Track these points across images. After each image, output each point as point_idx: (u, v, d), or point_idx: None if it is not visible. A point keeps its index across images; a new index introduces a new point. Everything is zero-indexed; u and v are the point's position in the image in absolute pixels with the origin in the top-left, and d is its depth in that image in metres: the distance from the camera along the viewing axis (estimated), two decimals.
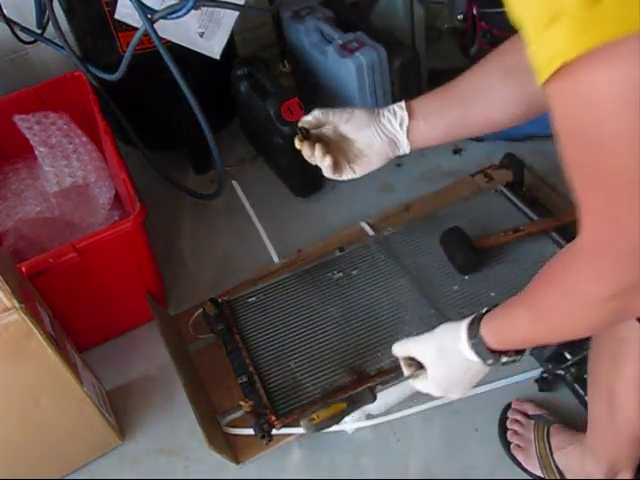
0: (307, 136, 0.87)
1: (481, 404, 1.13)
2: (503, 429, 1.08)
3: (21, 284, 0.94)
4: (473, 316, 0.72)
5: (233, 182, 1.61)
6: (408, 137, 0.84)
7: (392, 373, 1.10)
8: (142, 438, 1.18)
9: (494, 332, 0.69)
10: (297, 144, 0.88)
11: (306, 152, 0.87)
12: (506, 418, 1.09)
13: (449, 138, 0.85)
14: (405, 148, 0.85)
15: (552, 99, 0.45)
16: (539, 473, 1.01)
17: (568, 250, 0.55)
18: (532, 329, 0.65)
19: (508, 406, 1.11)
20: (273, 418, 1.07)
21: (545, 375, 1.12)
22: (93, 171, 1.36)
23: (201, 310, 1.27)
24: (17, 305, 0.85)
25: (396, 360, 1.09)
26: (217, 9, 1.30)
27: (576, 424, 1.05)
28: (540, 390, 1.12)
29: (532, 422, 1.06)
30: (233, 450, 1.11)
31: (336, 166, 0.86)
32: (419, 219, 1.38)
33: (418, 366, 0.81)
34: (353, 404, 0.93)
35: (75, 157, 1.38)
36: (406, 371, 0.84)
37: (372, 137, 0.85)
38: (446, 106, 0.83)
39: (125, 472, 1.14)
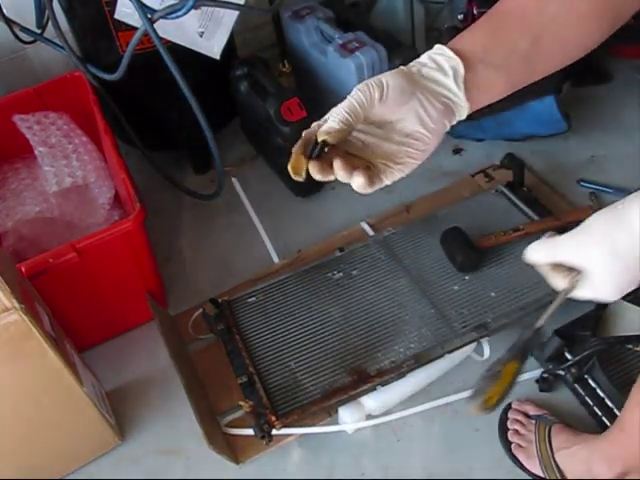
0: (320, 153, 0.63)
1: None
2: (503, 429, 1.08)
3: (21, 284, 0.93)
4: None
5: (232, 179, 1.61)
6: (466, 95, 0.63)
7: (392, 373, 1.10)
8: (142, 438, 1.18)
9: None
10: (305, 165, 0.64)
11: (321, 174, 0.63)
12: (506, 418, 1.09)
13: (518, 84, 0.66)
14: (463, 112, 0.64)
15: None
16: (540, 473, 1.01)
17: None
18: None
19: (508, 406, 1.11)
20: (273, 418, 1.07)
21: (545, 375, 1.12)
22: (93, 171, 1.36)
23: (201, 310, 1.27)
24: (17, 305, 0.84)
25: (396, 361, 1.09)
26: (217, 9, 1.30)
27: (577, 424, 1.05)
28: (541, 390, 1.12)
29: (533, 422, 1.06)
30: (233, 450, 1.11)
31: (372, 178, 0.62)
32: (419, 219, 1.38)
33: (570, 271, 0.65)
34: (524, 356, 0.73)
35: (75, 157, 1.37)
36: (560, 282, 0.65)
37: (421, 109, 0.61)
38: (507, 38, 0.63)
39: (125, 472, 1.14)
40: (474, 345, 1.15)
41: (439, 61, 0.62)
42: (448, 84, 0.62)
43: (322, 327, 1.20)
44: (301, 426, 1.09)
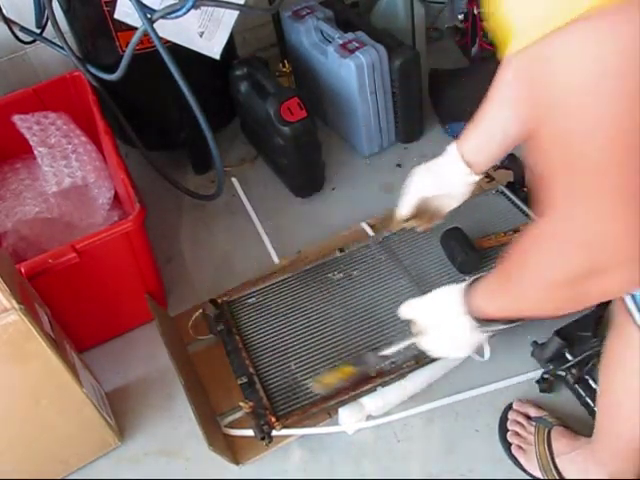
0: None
1: (482, 405, 1.13)
2: (503, 430, 1.08)
3: (20, 285, 0.93)
4: (468, 281, 0.79)
5: (232, 179, 1.61)
6: (475, 169, 0.97)
7: (392, 374, 1.10)
8: (142, 439, 1.18)
9: (478, 301, 0.75)
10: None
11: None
12: (507, 419, 1.09)
13: (502, 156, 0.98)
14: (478, 172, 0.98)
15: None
16: (539, 475, 1.01)
17: (538, 229, 0.56)
18: (503, 303, 0.71)
19: (509, 407, 1.11)
20: (273, 419, 1.07)
21: (546, 376, 1.12)
22: (92, 171, 1.36)
23: (201, 311, 1.26)
24: (16, 306, 0.84)
25: (396, 361, 1.10)
26: (217, 9, 1.30)
27: (577, 425, 1.05)
28: (541, 391, 1.12)
29: (533, 424, 1.06)
30: (233, 451, 1.11)
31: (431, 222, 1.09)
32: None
33: (422, 326, 0.86)
34: (360, 365, 0.99)
35: (74, 157, 1.37)
36: (413, 329, 0.88)
37: (455, 196, 1.03)
38: (484, 143, 0.94)
39: (125, 473, 1.13)
40: None
41: (462, 172, 0.97)
42: (465, 179, 0.98)
43: (322, 328, 1.19)
44: (301, 427, 1.09)
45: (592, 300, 0.59)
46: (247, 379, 1.13)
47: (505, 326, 0.75)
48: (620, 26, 0.38)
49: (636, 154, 0.43)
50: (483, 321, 0.75)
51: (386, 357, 1.00)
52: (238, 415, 1.14)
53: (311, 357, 1.15)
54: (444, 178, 0.99)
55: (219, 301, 1.25)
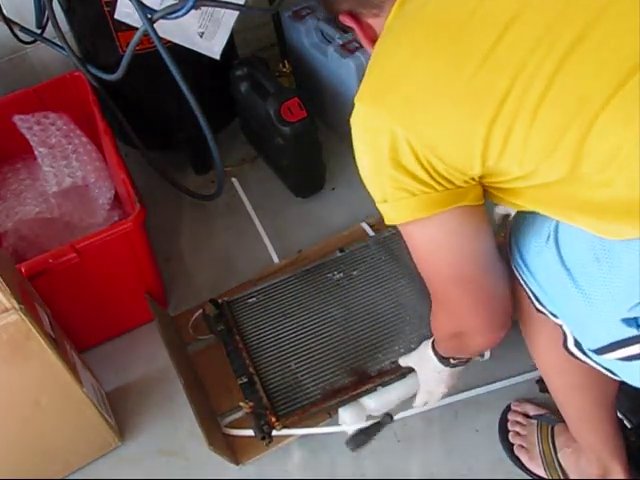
0: None
1: (481, 405, 1.13)
2: (504, 431, 1.08)
3: (20, 285, 0.93)
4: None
5: (232, 179, 1.60)
6: None
7: (393, 374, 1.10)
8: (142, 439, 1.18)
9: (437, 347, 0.95)
10: None
11: None
12: (506, 420, 1.09)
13: None
14: None
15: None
16: (542, 473, 1.01)
17: (433, 311, 0.83)
18: (440, 348, 0.94)
19: (507, 409, 1.11)
20: (273, 419, 1.07)
21: None
22: (93, 171, 1.36)
23: (201, 311, 1.26)
24: (16, 306, 0.84)
25: (396, 361, 1.10)
26: (217, 9, 1.30)
27: None
28: (541, 391, 1.12)
29: (534, 422, 1.06)
30: (233, 451, 1.11)
31: None
32: None
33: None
34: (376, 427, 1.06)
35: (75, 157, 1.37)
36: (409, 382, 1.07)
37: None
38: None
39: (125, 473, 1.13)
40: None
41: None
42: None
43: (322, 327, 1.19)
44: (301, 427, 1.09)
45: (472, 348, 0.85)
46: (247, 379, 1.13)
47: (457, 361, 0.94)
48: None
49: (468, 269, 0.71)
50: (443, 359, 0.94)
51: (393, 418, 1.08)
52: (238, 415, 1.14)
53: (311, 357, 1.15)
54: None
55: (219, 301, 1.25)
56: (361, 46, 1.44)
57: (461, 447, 1.09)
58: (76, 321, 1.19)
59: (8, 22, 1.39)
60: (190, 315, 1.29)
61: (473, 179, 0.66)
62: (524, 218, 0.76)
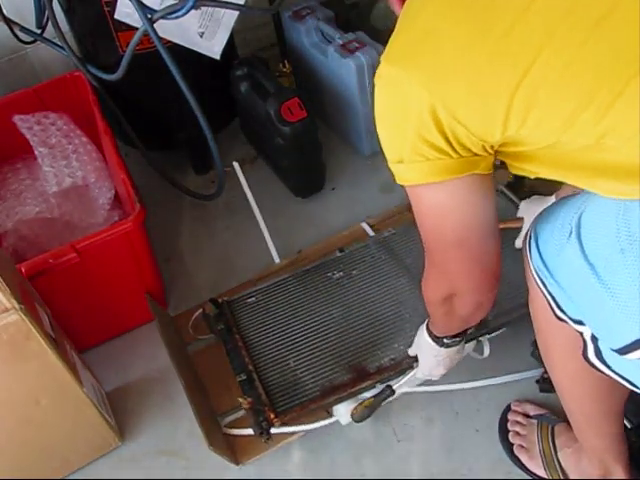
0: None
1: (481, 405, 1.13)
2: (504, 431, 1.08)
3: (21, 285, 0.93)
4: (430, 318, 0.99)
5: (240, 177, 1.57)
6: None
7: (392, 371, 1.10)
8: (142, 439, 1.18)
9: (430, 327, 0.97)
10: None
11: None
12: (506, 420, 1.09)
13: None
14: None
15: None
16: (542, 473, 1.01)
17: (427, 274, 0.84)
18: (432, 324, 0.96)
19: (507, 409, 1.11)
20: (272, 415, 1.06)
21: (546, 376, 1.12)
22: (93, 171, 1.36)
23: (201, 310, 1.26)
24: (17, 306, 0.84)
25: (396, 358, 1.10)
26: (217, 9, 1.30)
27: None
28: (541, 391, 1.12)
29: (534, 422, 1.06)
30: (233, 451, 1.11)
31: None
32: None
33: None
34: (377, 397, 1.08)
35: (75, 157, 1.37)
36: (415, 365, 1.08)
37: None
38: None
39: (125, 473, 1.13)
40: (473, 344, 1.14)
41: None
42: None
43: (322, 326, 1.19)
44: (299, 424, 1.09)
45: (461, 313, 0.84)
46: (246, 376, 1.13)
47: (450, 342, 0.96)
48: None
49: (472, 234, 0.72)
50: (436, 339, 0.97)
51: (395, 390, 1.09)
52: (238, 414, 1.14)
53: (310, 354, 1.15)
54: None
55: (219, 300, 1.25)
56: (361, 46, 1.45)
57: (461, 447, 1.09)
58: (76, 321, 1.19)
59: (8, 22, 1.39)
60: (190, 315, 1.29)
61: (492, 147, 0.66)
62: (545, 218, 0.76)
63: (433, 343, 0.97)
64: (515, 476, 1.04)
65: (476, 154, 0.66)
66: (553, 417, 1.06)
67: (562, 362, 0.86)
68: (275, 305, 1.24)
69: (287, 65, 1.75)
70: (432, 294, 0.86)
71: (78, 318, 1.21)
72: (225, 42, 1.37)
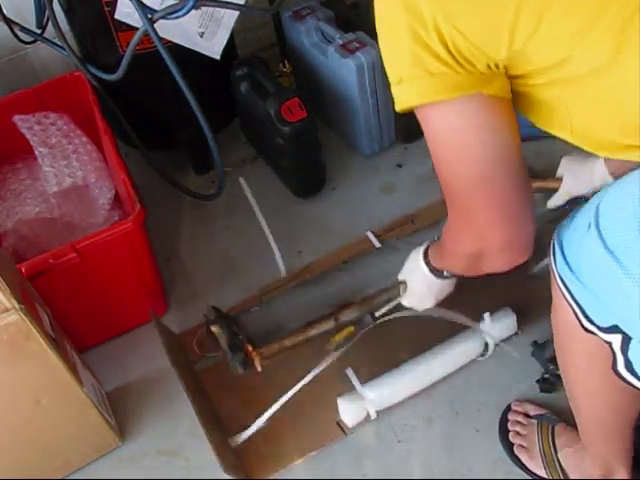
0: None
1: (481, 405, 1.13)
2: (504, 431, 1.08)
3: (21, 285, 0.93)
4: (427, 243, 0.98)
5: (240, 179, 1.57)
6: None
7: (377, 297, 1.09)
8: (142, 439, 1.18)
9: (430, 256, 0.96)
10: None
11: None
12: (506, 420, 1.09)
13: None
14: None
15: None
16: (542, 473, 1.01)
17: (449, 219, 0.78)
18: (440, 260, 0.93)
19: (507, 408, 1.11)
20: (250, 348, 1.05)
21: (547, 376, 1.12)
22: (93, 171, 1.36)
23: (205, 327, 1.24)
24: (17, 306, 0.84)
25: (383, 288, 1.10)
26: (217, 9, 1.30)
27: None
28: (541, 391, 1.12)
29: (534, 422, 1.06)
30: (243, 469, 1.09)
31: None
32: (424, 229, 1.37)
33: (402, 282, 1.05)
34: (359, 325, 1.08)
35: (75, 157, 1.37)
36: (401, 291, 1.05)
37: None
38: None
39: (125, 473, 1.13)
40: (479, 349, 1.14)
41: None
42: None
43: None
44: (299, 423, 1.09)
45: (484, 270, 0.78)
46: (227, 327, 1.10)
47: (450, 278, 0.96)
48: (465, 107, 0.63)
49: (496, 170, 0.66)
50: (435, 270, 0.95)
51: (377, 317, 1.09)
52: (250, 432, 1.10)
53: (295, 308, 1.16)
54: (592, 182, 1.11)
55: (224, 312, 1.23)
56: (361, 46, 1.45)
57: (461, 447, 1.09)
58: (76, 321, 1.19)
59: (8, 22, 1.39)
60: (195, 332, 1.27)
61: (497, 66, 0.62)
62: (566, 222, 0.72)
63: (430, 274, 0.94)
64: (515, 476, 1.04)
65: (482, 72, 0.62)
66: (553, 417, 1.06)
67: (584, 379, 0.83)
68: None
69: (287, 65, 1.75)
70: (457, 248, 0.79)
71: (78, 318, 1.21)
72: (225, 42, 1.37)
